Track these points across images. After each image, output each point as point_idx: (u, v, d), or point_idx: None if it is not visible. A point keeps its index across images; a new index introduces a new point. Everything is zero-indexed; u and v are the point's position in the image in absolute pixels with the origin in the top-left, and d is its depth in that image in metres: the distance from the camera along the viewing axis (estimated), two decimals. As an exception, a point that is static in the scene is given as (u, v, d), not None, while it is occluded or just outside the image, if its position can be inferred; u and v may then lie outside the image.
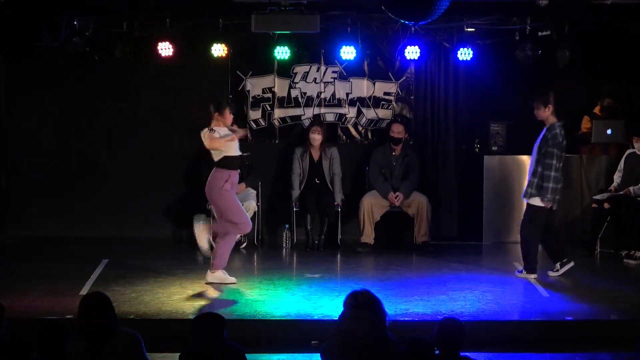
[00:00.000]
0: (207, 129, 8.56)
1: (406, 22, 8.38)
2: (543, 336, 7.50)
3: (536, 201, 8.91)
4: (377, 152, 10.96)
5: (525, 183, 9.19)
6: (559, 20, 10.19)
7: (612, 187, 10.48)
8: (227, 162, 8.61)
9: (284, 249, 10.81)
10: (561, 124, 8.89)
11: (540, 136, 8.99)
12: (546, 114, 8.90)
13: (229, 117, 8.70)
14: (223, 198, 8.59)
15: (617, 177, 10.51)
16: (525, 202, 9.11)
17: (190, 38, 10.58)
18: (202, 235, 8.76)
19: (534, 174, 8.93)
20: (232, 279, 8.81)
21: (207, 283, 8.74)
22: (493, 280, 9.06)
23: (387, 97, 11.43)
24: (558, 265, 9.12)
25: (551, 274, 9.11)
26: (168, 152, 11.08)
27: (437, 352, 5.07)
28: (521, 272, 9.10)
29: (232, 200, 8.62)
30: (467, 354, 5.18)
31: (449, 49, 11.01)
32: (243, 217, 8.71)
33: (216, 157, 8.62)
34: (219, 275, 8.74)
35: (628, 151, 10.51)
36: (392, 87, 11.42)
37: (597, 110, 11.13)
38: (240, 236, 10.70)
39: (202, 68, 11.01)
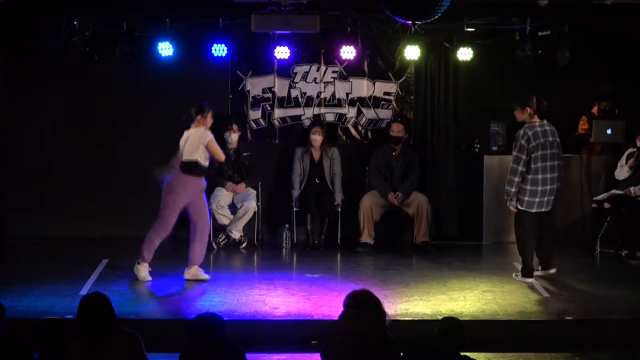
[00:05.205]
0: (206, 130, 8.87)
1: (406, 21, 8.36)
2: (543, 336, 7.51)
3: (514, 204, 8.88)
4: (377, 152, 10.95)
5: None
6: (559, 20, 10.19)
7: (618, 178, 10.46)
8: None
9: (284, 249, 10.79)
10: (531, 125, 8.76)
11: None
12: (523, 116, 8.85)
13: (210, 120, 8.96)
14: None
15: (618, 174, 10.48)
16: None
17: (190, 38, 10.57)
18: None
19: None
20: (206, 276, 8.92)
21: (187, 279, 8.91)
22: (493, 280, 9.06)
23: (387, 97, 11.41)
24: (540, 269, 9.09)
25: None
26: (168, 152, 11.04)
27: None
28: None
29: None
30: (467, 354, 5.18)
31: (449, 49, 11.01)
32: None
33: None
34: (193, 271, 8.90)
35: (629, 150, 10.50)
36: (392, 87, 11.41)
37: (594, 110, 11.12)
38: (241, 235, 10.74)
39: (202, 68, 11.00)
